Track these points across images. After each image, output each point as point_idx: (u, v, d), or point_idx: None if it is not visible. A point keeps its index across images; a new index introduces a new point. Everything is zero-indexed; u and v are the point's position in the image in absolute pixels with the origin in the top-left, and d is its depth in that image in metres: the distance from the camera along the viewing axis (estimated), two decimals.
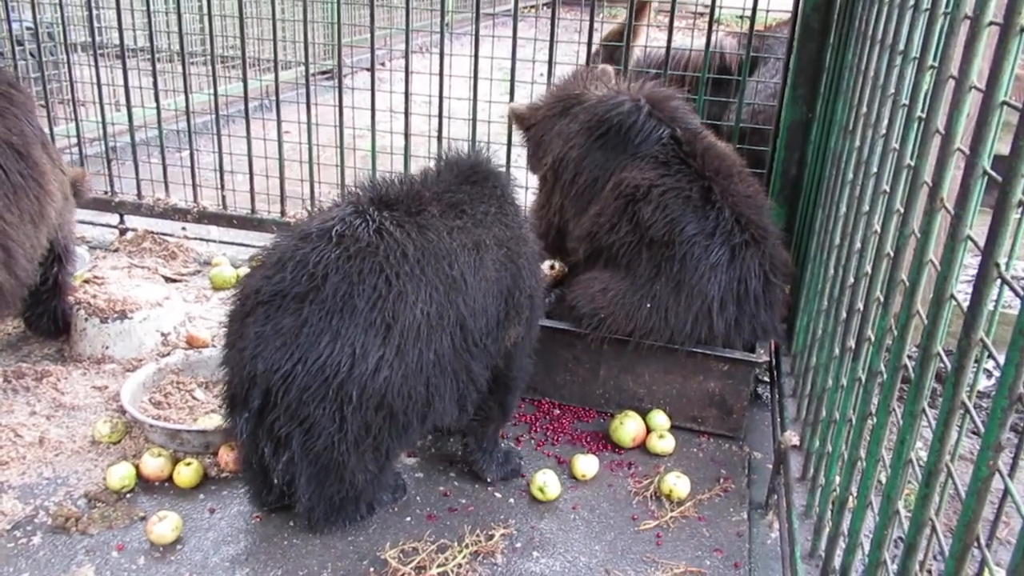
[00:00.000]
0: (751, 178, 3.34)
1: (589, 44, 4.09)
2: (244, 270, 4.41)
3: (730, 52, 4.53)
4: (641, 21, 4.60)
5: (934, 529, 1.51)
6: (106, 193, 4.92)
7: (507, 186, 2.85)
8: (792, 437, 2.67)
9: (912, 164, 1.82)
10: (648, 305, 3.12)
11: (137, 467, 2.84)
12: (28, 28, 5.68)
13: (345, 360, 2.25)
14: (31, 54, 5.61)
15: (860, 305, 2.16)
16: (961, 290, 1.50)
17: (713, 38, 4.42)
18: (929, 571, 2.26)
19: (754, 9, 3.83)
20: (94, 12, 4.70)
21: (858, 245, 2.26)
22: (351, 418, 2.31)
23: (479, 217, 2.62)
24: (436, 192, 2.61)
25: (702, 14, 6.19)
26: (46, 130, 3.71)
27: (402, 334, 2.33)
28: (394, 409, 2.38)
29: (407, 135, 4.41)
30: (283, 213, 4.71)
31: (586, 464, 2.98)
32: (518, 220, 2.81)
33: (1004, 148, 1.47)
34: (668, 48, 4.01)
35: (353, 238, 2.33)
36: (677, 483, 2.90)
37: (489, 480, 2.92)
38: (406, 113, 4.43)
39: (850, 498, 2.00)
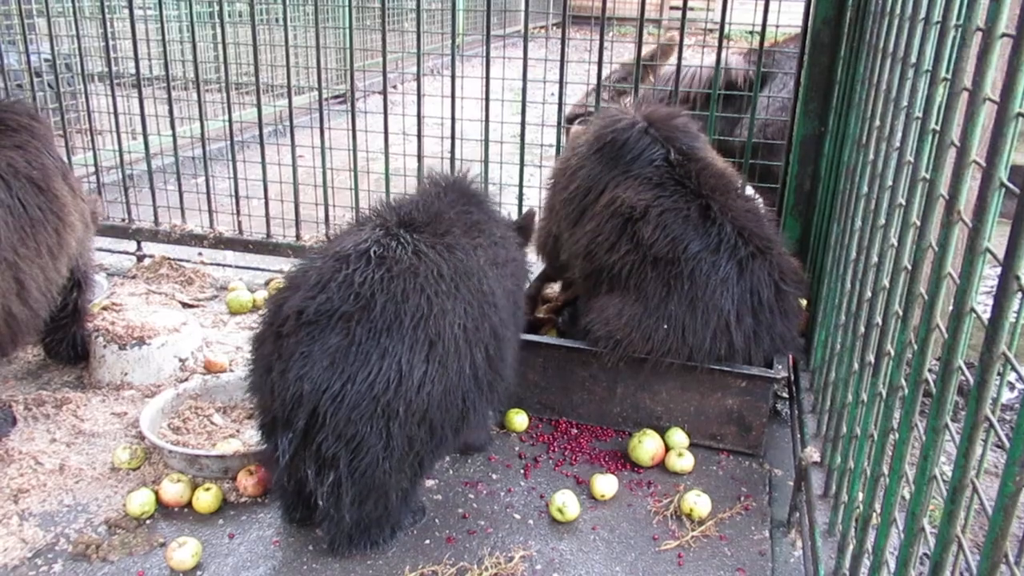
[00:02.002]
0: (748, 194, 3.35)
1: (600, 63, 4.11)
2: (260, 294, 4.45)
3: (736, 68, 4.54)
4: (666, 57, 4.65)
5: (961, 546, 1.48)
6: (123, 220, 4.97)
7: (500, 210, 3.04)
8: (813, 453, 2.64)
9: (928, 177, 1.81)
10: (665, 326, 3.10)
11: (156, 493, 2.85)
12: (46, 59, 5.77)
13: (393, 377, 2.30)
14: (49, 85, 5.71)
15: (879, 319, 2.14)
16: (981, 302, 1.48)
17: (720, 56, 4.44)
18: None
19: (763, 25, 3.84)
20: (110, 43, 4.77)
21: (875, 259, 2.25)
22: (397, 434, 2.35)
23: (495, 237, 2.77)
24: (455, 213, 2.71)
25: (711, 31, 6.21)
26: (65, 159, 3.76)
27: (444, 349, 2.39)
28: (434, 423, 2.43)
29: (420, 157, 4.44)
30: (298, 237, 4.74)
31: (605, 484, 2.96)
32: (517, 242, 3.00)
33: (1021, 159, 1.46)
34: (679, 65, 4.02)
35: (394, 259, 2.40)
36: (697, 502, 2.87)
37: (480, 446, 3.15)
38: (419, 135, 4.46)
39: (874, 515, 1.97)
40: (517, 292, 2.87)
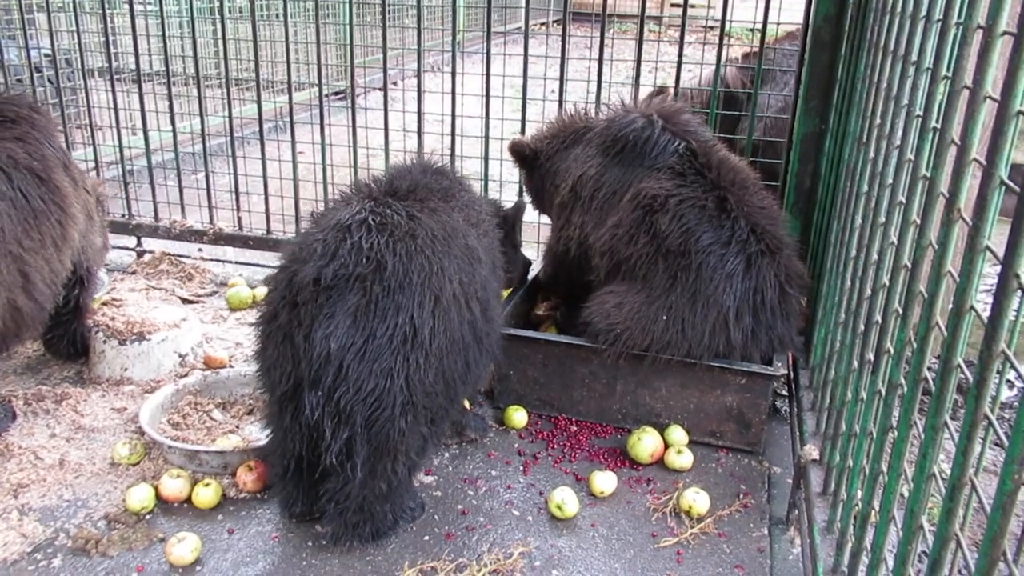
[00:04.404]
0: (765, 191, 3.35)
1: (600, 60, 4.11)
2: (260, 291, 4.44)
3: (733, 84, 4.54)
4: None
5: (959, 544, 1.49)
6: (123, 216, 4.97)
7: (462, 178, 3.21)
8: (812, 451, 2.64)
9: (928, 175, 1.81)
10: (664, 317, 3.11)
11: (156, 488, 2.85)
12: (46, 55, 5.77)
13: (409, 330, 2.43)
14: (49, 80, 5.70)
15: (878, 317, 2.14)
16: (980, 300, 1.48)
17: (712, 71, 4.45)
18: None
19: (764, 23, 3.84)
20: (110, 38, 4.77)
21: (875, 257, 2.25)
22: (417, 386, 2.46)
23: (464, 200, 2.94)
24: (428, 182, 2.85)
25: (712, 28, 6.21)
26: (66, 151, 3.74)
27: (446, 304, 2.53)
28: (446, 375, 2.57)
29: (420, 154, 4.43)
30: (298, 233, 4.73)
31: (604, 481, 2.96)
32: (485, 210, 3.14)
33: (1021, 157, 1.46)
34: (679, 63, 4.02)
35: (393, 225, 2.53)
36: (696, 499, 2.88)
37: (472, 436, 3.23)
38: (419, 132, 4.46)
39: (872, 513, 1.98)
40: (493, 249, 3.02)
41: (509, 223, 3.50)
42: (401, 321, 2.42)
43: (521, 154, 3.77)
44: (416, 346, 2.44)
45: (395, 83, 8.42)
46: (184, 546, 2.56)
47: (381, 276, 2.42)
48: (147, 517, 2.79)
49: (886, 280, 2.10)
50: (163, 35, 4.56)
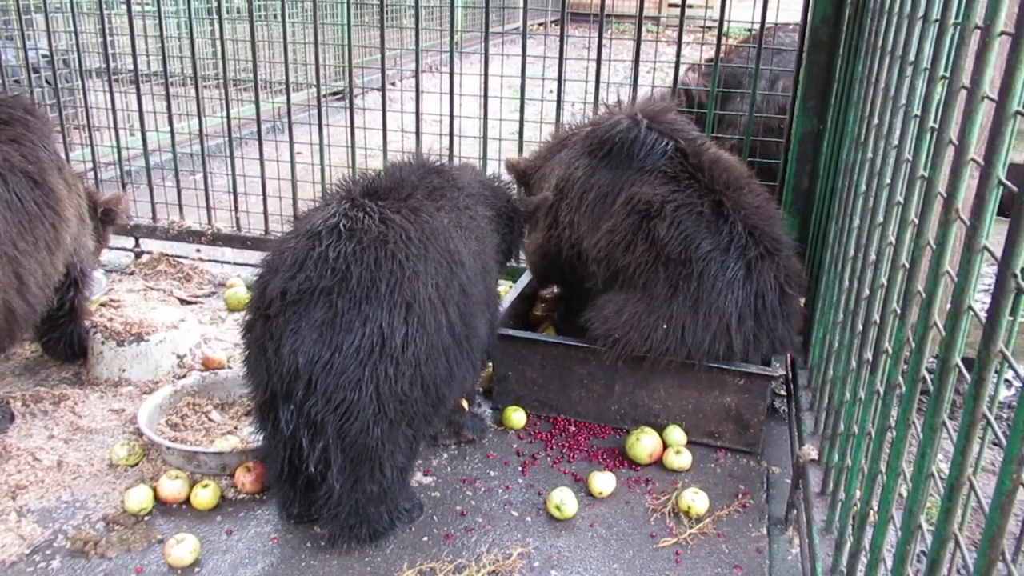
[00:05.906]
0: (760, 188, 3.34)
1: (598, 60, 4.11)
2: None
3: (696, 88, 4.53)
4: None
5: (958, 544, 1.49)
6: None
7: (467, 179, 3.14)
8: (810, 451, 2.65)
9: (926, 175, 1.81)
10: (664, 326, 3.09)
11: (155, 490, 2.85)
12: (44, 56, 5.76)
13: (376, 340, 2.38)
14: (47, 81, 5.69)
15: (876, 317, 2.15)
16: (978, 300, 1.49)
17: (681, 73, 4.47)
18: None
19: (762, 22, 3.84)
20: (108, 39, 4.76)
21: (873, 257, 2.25)
22: (388, 397, 2.42)
23: (458, 201, 2.88)
24: (417, 179, 2.81)
25: (710, 28, 6.21)
26: (62, 154, 3.74)
27: (420, 310, 2.47)
28: (426, 381, 2.52)
29: (418, 154, 4.43)
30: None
31: (603, 481, 2.96)
32: (480, 211, 3.05)
33: (1018, 157, 1.46)
34: (677, 63, 4.02)
35: (363, 230, 2.47)
36: (695, 499, 2.88)
37: (470, 437, 3.21)
38: (417, 132, 4.45)
39: (871, 513, 1.98)
40: (484, 254, 2.95)
41: (518, 222, 3.40)
42: (369, 331, 2.37)
43: (517, 170, 3.80)
44: (385, 356, 2.39)
45: (393, 83, 8.42)
46: (183, 547, 2.56)
47: (346, 288, 2.38)
48: (145, 518, 2.78)
49: (884, 280, 2.10)
50: (161, 36, 4.56)
